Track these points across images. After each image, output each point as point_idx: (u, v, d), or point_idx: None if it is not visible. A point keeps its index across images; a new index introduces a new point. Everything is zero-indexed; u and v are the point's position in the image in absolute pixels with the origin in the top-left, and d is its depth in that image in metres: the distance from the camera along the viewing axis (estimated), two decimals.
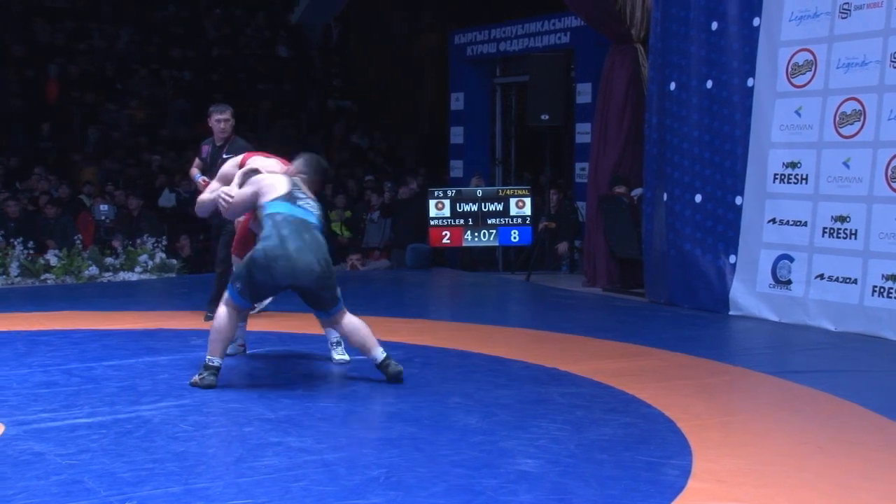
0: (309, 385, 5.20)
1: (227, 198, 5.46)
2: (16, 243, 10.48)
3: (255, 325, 7.16)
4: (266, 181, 5.35)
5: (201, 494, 3.43)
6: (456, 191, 11.51)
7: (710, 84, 8.04)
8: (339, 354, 5.79)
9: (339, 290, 5.27)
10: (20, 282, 10.24)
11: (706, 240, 8.01)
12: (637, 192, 9.34)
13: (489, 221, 11.23)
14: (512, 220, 11.22)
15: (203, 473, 3.68)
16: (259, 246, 5.08)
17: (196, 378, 5.08)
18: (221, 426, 4.38)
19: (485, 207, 11.24)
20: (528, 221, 11.20)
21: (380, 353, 5.24)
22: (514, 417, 4.54)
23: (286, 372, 5.63)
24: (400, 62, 19.31)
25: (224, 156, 7.46)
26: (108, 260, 10.80)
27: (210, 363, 5.08)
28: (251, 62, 19.76)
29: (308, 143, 17.50)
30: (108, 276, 10.65)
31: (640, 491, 3.53)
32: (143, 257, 10.92)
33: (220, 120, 7.65)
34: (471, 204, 11.27)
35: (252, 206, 5.36)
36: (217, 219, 7.38)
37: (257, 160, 5.93)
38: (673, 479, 3.65)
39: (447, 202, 11.29)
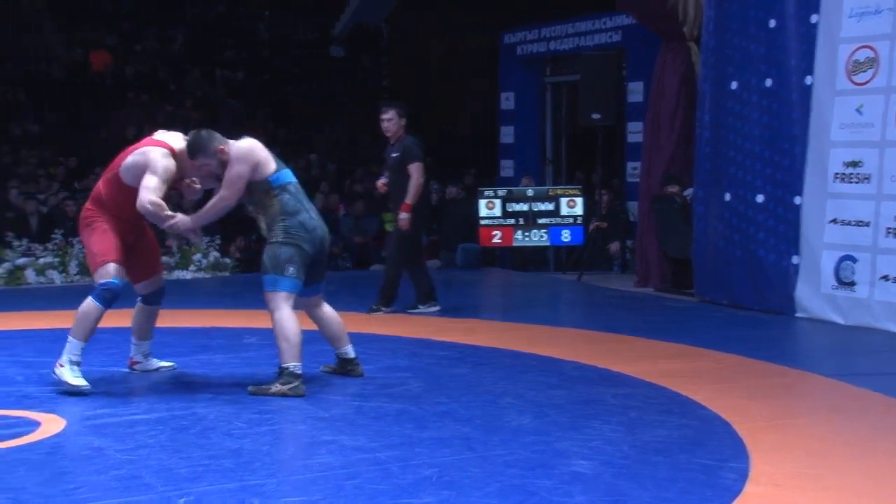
0: (361, 384, 5.21)
1: (194, 185, 5.13)
2: (75, 242, 10.66)
3: (301, 322, 7.22)
4: (256, 152, 4.98)
5: (256, 491, 3.46)
6: (506, 190, 11.49)
7: (769, 82, 7.94)
8: (161, 363, 5.59)
9: None
10: (79, 280, 10.42)
11: (769, 240, 7.90)
12: (689, 191, 9.24)
13: (540, 221, 11.19)
14: (563, 220, 11.17)
15: (257, 470, 3.71)
16: (292, 221, 4.92)
17: (280, 387, 4.86)
18: (275, 424, 4.41)
19: (535, 207, 11.21)
20: (579, 221, 11.14)
21: (351, 350, 5.33)
22: (566, 418, 4.51)
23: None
24: (449, 62, 19.32)
25: (392, 154, 7.62)
26: (164, 258, 10.94)
27: (294, 370, 4.89)
28: (301, 63, 19.90)
29: (356, 143, 17.61)
30: (163, 274, 10.79)
31: (696, 494, 3.49)
32: (198, 256, 11.04)
33: (383, 120, 7.69)
34: (521, 204, 11.24)
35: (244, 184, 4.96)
36: (394, 213, 7.63)
37: (157, 147, 5.09)
38: (730, 483, 3.60)
39: (498, 202, 11.27)
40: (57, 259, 10.47)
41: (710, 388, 5.11)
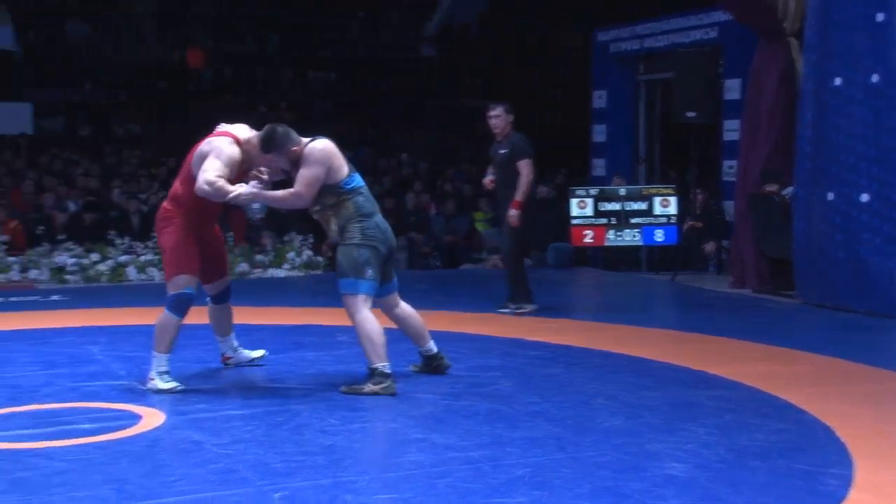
0: (451, 383, 5.22)
1: (261, 176, 5.03)
2: None
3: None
4: (332, 155, 4.97)
5: (349, 488, 3.48)
6: (598, 190, 11.37)
7: (875, 78, 7.66)
8: (253, 353, 5.68)
9: None
10: None
11: (874, 241, 7.64)
12: (789, 190, 9.00)
13: (633, 221, 11.04)
14: (656, 220, 11.00)
15: (350, 467, 3.74)
16: (369, 223, 4.94)
17: (375, 388, 4.88)
18: (367, 421, 4.44)
19: (628, 206, 11.06)
20: (673, 221, 10.96)
21: (434, 346, 5.36)
22: (660, 420, 4.44)
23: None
24: (540, 61, 19.24)
25: (501, 151, 7.58)
26: (258, 257, 11.15)
27: (384, 370, 4.91)
28: (393, 62, 20.05)
29: (447, 142, 17.67)
30: (257, 272, 11.00)
31: (796, 500, 3.39)
32: (291, 254, 11.22)
33: (491, 117, 7.64)
34: (614, 203, 11.10)
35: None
36: (502, 214, 7.62)
37: (222, 136, 5.14)
38: (833, 489, 3.49)
39: (589, 201, 11.16)
40: (157, 256, 10.75)
41: (810, 392, 4.96)
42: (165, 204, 5.25)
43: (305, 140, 5.04)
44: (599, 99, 13.25)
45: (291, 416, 4.47)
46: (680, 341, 6.68)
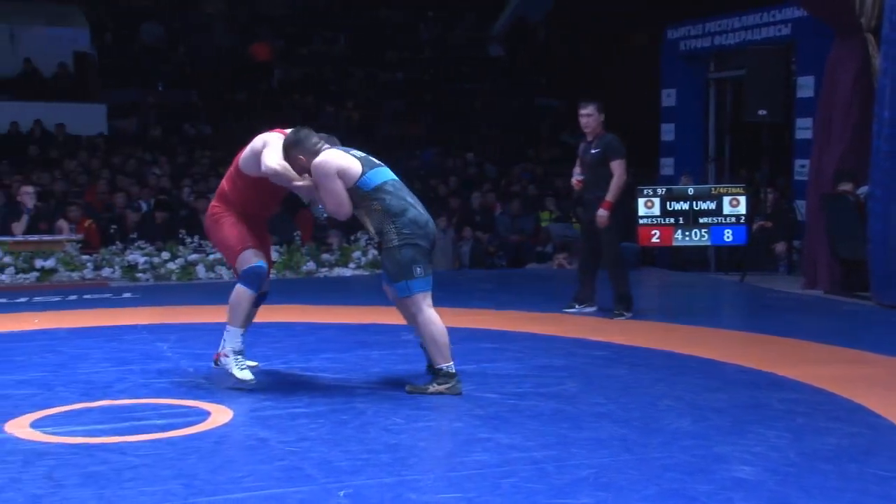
0: (517, 383, 5.20)
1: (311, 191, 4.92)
2: None
3: (458, 320, 7.27)
4: (332, 162, 4.84)
5: (413, 486, 3.49)
6: (666, 189, 11.24)
7: None
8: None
9: None
10: None
11: None
12: (864, 189, 8.79)
13: (701, 220, 10.89)
14: (725, 219, 10.83)
15: (415, 466, 3.75)
16: (402, 220, 4.80)
17: (437, 387, 4.87)
18: (432, 420, 4.45)
19: (697, 206, 10.91)
20: (742, 220, 10.79)
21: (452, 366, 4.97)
22: (728, 422, 4.37)
23: (494, 369, 5.64)
24: (609, 59, 19.09)
25: (592, 151, 7.47)
26: (325, 256, 11.25)
27: (448, 370, 4.89)
28: (461, 62, 20.06)
29: (514, 142, 17.63)
30: (324, 271, 11.10)
31: None
32: (357, 254, 11.30)
33: (582, 115, 7.53)
34: (682, 202, 10.96)
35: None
36: (588, 214, 7.51)
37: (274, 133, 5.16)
38: None
39: (657, 200, 11.03)
40: None
41: (884, 396, 4.84)
42: (214, 202, 5.31)
43: (319, 151, 4.92)
44: (668, 97, 13.11)
45: (356, 415, 4.50)
46: (749, 342, 6.56)
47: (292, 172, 4.93)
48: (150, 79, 17.69)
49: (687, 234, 10.95)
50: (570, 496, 3.39)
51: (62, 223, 11.13)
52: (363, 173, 4.86)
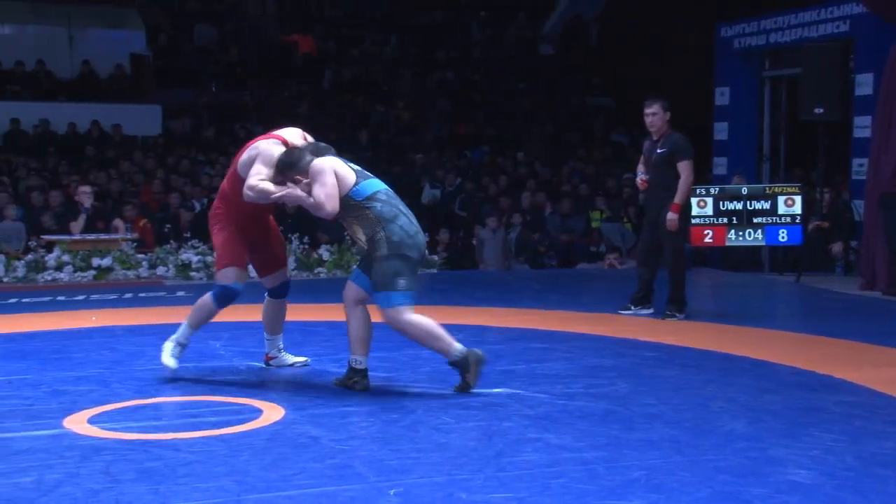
0: (567, 383, 5.17)
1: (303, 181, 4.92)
2: (293, 238, 11.17)
3: (507, 320, 7.26)
4: (332, 162, 4.90)
5: (463, 486, 3.49)
6: (719, 188, 11.11)
7: None
8: (295, 358, 5.66)
9: None
10: (296, 275, 10.91)
11: None
12: None
13: (755, 220, 10.75)
14: (780, 219, 10.67)
15: (465, 465, 3.75)
16: (392, 227, 4.78)
17: (475, 373, 4.85)
18: (482, 420, 4.44)
19: (750, 206, 10.77)
20: (797, 220, 10.63)
21: (363, 361, 4.97)
22: (783, 425, 4.31)
23: (543, 369, 5.62)
24: (661, 58, 18.91)
25: (658, 150, 7.39)
26: None
27: (460, 354, 4.89)
28: (512, 62, 20.02)
29: (566, 141, 17.54)
30: None
31: None
32: None
33: (647, 114, 7.44)
34: (735, 202, 10.83)
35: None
36: (650, 214, 7.47)
37: (268, 138, 5.25)
38: None
39: (709, 200, 10.91)
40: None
41: None
42: (216, 202, 5.42)
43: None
44: (722, 96, 12.97)
45: (406, 414, 4.51)
46: (804, 344, 6.46)
47: (268, 188, 4.96)
48: (204, 80, 17.90)
49: (740, 234, 10.81)
50: (621, 497, 3.36)
51: (118, 222, 11.32)
52: (356, 183, 4.87)
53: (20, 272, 10.30)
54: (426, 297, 9.20)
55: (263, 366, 5.62)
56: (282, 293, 5.56)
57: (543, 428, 4.26)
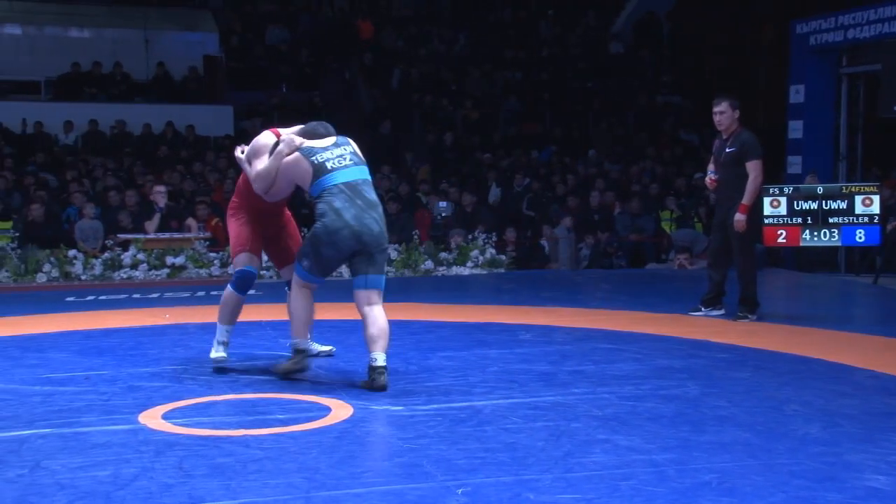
0: (636, 384, 5.12)
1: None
2: None
3: (576, 320, 7.21)
4: (292, 166, 5.28)
5: (531, 486, 3.47)
6: (793, 188, 10.90)
7: None
8: (321, 347, 5.89)
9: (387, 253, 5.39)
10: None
11: None
12: None
13: (831, 220, 10.53)
14: (857, 219, 10.43)
15: (532, 466, 3.73)
16: (317, 225, 5.09)
17: (289, 364, 5.22)
18: (550, 420, 4.41)
19: (826, 205, 10.55)
20: (875, 220, 10.37)
21: (380, 358, 5.01)
22: (859, 429, 4.20)
23: (612, 370, 5.57)
24: (733, 55, 18.63)
25: (727, 149, 7.28)
26: (443, 255, 11.31)
27: (299, 346, 5.19)
28: (581, 60, 19.88)
29: (635, 140, 17.37)
30: (441, 269, 11.17)
31: None
32: (475, 253, 11.33)
33: (715, 112, 7.34)
34: (810, 202, 10.62)
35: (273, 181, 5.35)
36: (720, 214, 7.40)
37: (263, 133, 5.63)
38: None
39: (783, 200, 10.72)
40: None
41: None
42: (234, 197, 5.72)
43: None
44: (797, 94, 12.71)
45: (474, 413, 4.51)
46: (882, 347, 6.29)
47: (264, 165, 5.34)
48: (274, 80, 18.13)
49: (815, 234, 10.59)
50: (692, 501, 3.32)
51: (191, 221, 11.52)
52: (313, 181, 5.19)
53: (97, 270, 10.55)
54: (493, 297, 9.23)
55: (321, 363, 5.66)
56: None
57: (612, 429, 4.22)
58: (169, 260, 10.67)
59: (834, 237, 10.55)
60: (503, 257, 11.54)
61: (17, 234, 11.15)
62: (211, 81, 17.71)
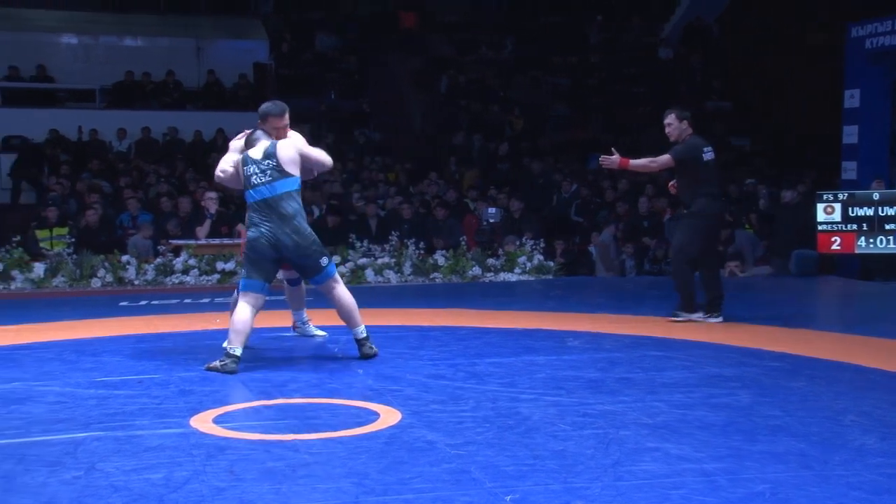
0: (686, 392, 5.06)
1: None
2: (409, 244, 11.27)
3: (624, 327, 7.15)
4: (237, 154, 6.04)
5: (580, 494, 3.44)
6: (848, 194, 10.72)
7: None
8: (316, 331, 6.71)
9: (325, 261, 5.87)
10: (412, 280, 11.01)
11: None
12: None
13: (887, 227, 10.33)
14: None
15: (581, 473, 3.70)
16: (248, 235, 5.84)
17: (217, 363, 5.57)
18: (599, 428, 4.38)
19: (882, 212, 10.35)
20: None
21: (360, 331, 5.91)
22: None
23: (662, 378, 5.51)
24: (786, 60, 18.39)
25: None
26: (490, 261, 11.30)
27: (232, 352, 5.59)
28: (629, 66, 19.77)
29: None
30: (489, 276, 11.15)
31: None
32: (522, 259, 11.30)
33: (665, 125, 7.74)
34: (865, 208, 10.43)
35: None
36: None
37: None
38: None
39: (838, 206, 10.54)
40: (393, 259, 11.13)
41: None
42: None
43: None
44: (851, 98, 12.51)
45: (522, 420, 4.48)
46: None
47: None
48: (323, 87, 18.26)
49: (871, 241, 10.41)
50: None
51: (241, 227, 11.62)
52: (247, 189, 5.85)
53: (150, 275, 10.69)
54: (541, 303, 9.19)
55: (370, 370, 5.69)
56: (298, 282, 6.55)
57: (662, 437, 4.17)
58: (219, 265, 10.78)
59: (890, 244, 10.36)
60: (551, 263, 11.49)
61: (73, 240, 11.35)
62: (261, 88, 17.89)
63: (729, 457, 3.89)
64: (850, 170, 12.49)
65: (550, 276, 11.20)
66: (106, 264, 10.71)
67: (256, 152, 5.82)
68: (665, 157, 7.49)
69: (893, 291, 10.08)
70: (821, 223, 10.59)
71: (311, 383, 5.33)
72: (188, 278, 10.69)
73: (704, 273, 7.55)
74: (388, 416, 4.55)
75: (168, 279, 10.69)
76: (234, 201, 13.27)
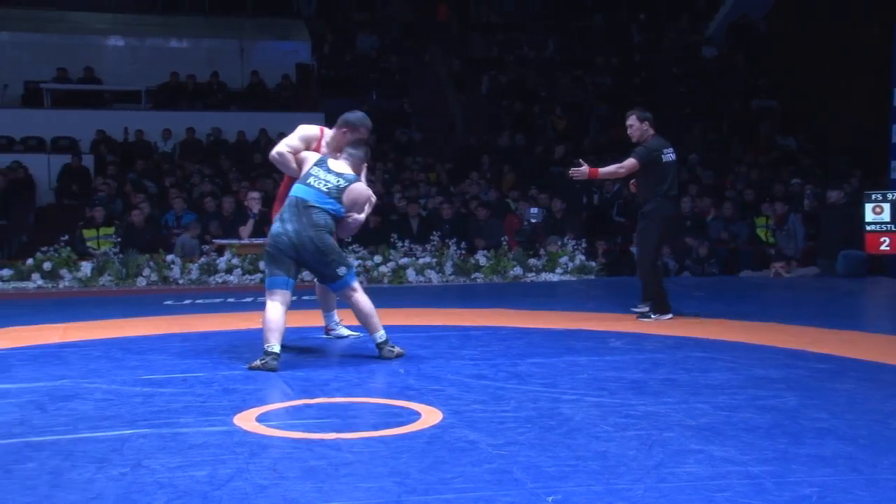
0: (731, 394, 5.01)
1: None
2: (450, 244, 11.28)
3: (667, 328, 7.09)
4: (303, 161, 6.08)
5: (623, 496, 3.42)
6: None
7: None
8: (348, 332, 6.71)
9: (343, 271, 5.84)
10: (453, 280, 11.01)
11: None
12: None
13: None
14: None
15: (624, 475, 3.67)
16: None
17: (258, 362, 5.61)
18: (641, 429, 4.34)
19: None
20: None
21: (379, 336, 5.94)
22: None
23: (706, 379, 5.46)
24: (833, 57, 18.13)
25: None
26: (532, 261, 11.27)
27: (270, 349, 5.63)
28: (673, 65, 19.62)
29: (729, 145, 17.03)
30: (531, 276, 11.12)
31: None
32: (564, 259, 11.26)
33: (627, 126, 7.82)
34: None
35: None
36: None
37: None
38: None
39: (887, 206, 10.38)
40: (434, 259, 11.14)
41: None
42: (276, 204, 6.38)
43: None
44: None
45: (563, 420, 4.46)
46: None
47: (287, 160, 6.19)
48: (365, 87, 18.33)
49: None
50: None
51: (242, 229, 11.70)
52: (299, 181, 5.96)
53: (194, 274, 10.80)
54: (582, 304, 9.14)
55: (411, 369, 5.70)
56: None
57: (706, 439, 4.13)
58: (262, 265, 10.86)
59: None
60: (593, 264, 11.44)
61: (119, 240, 11.50)
62: (303, 89, 18.00)
63: (775, 459, 3.84)
64: None
65: (592, 277, 11.15)
66: (151, 263, 10.84)
67: (337, 165, 5.93)
68: (630, 161, 7.59)
69: None
70: (869, 223, 10.44)
71: (353, 382, 5.36)
72: (231, 277, 10.79)
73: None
74: (430, 416, 4.55)
75: (212, 278, 10.80)
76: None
